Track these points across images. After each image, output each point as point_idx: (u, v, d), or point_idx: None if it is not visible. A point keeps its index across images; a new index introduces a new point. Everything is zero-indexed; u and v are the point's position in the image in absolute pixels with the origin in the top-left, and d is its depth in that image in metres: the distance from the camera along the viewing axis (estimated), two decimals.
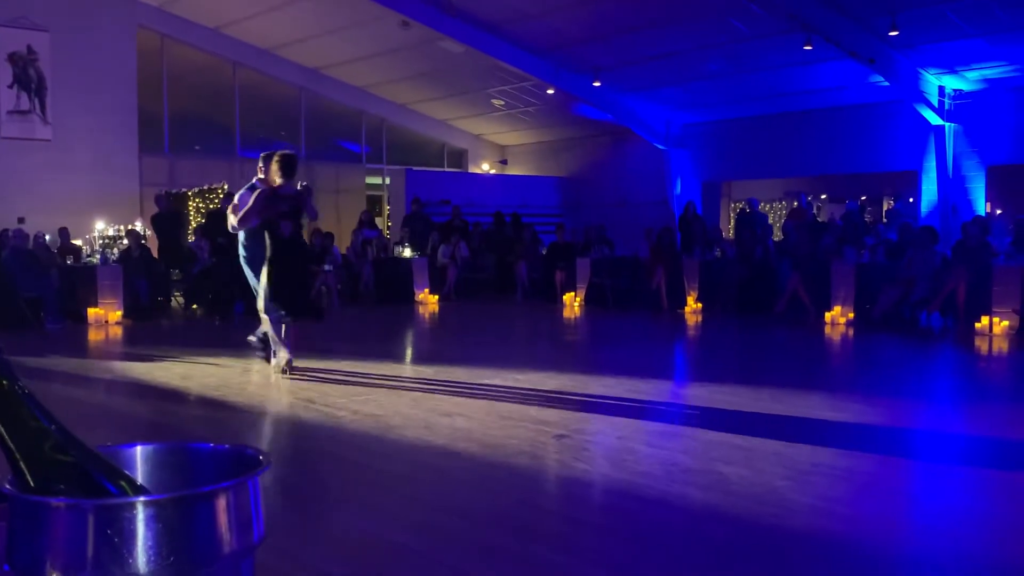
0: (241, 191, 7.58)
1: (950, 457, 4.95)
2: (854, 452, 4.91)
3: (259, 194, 7.15)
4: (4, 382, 0.79)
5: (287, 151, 7.36)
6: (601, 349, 10.11)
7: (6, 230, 12.39)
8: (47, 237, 13.22)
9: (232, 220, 7.43)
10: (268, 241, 7.15)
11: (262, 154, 7.43)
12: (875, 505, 3.95)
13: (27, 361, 8.40)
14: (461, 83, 17.96)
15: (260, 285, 7.25)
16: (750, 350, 9.68)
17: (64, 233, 13.53)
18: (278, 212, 7.12)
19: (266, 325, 7.34)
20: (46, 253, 12.69)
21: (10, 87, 14.57)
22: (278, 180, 7.17)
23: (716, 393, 6.49)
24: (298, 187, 7.28)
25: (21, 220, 13.34)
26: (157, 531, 0.76)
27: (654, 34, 14.06)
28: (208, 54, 17.23)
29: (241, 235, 7.55)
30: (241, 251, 7.61)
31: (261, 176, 7.38)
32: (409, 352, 9.85)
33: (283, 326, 7.29)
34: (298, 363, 7.53)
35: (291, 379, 7.15)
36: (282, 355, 7.31)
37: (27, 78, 14.71)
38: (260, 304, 7.29)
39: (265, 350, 7.69)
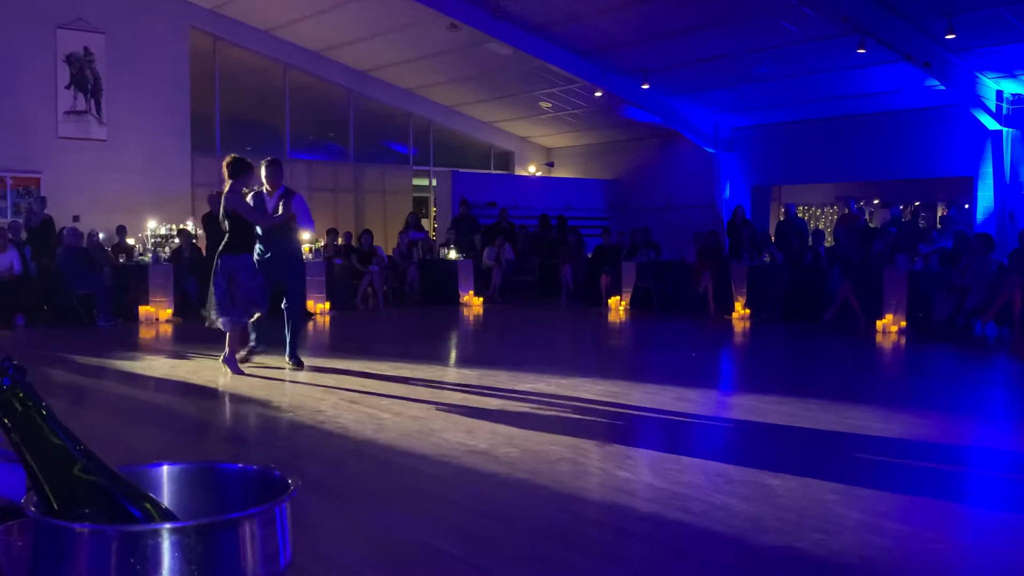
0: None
1: (1002, 472, 4.81)
2: (904, 466, 4.80)
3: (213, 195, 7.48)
4: (30, 403, 0.78)
5: (235, 155, 7.49)
6: (646, 355, 10.02)
7: (62, 228, 12.64)
8: (101, 235, 13.45)
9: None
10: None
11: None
12: (925, 521, 3.85)
13: (78, 358, 8.56)
14: (508, 85, 17.96)
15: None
16: (799, 358, 9.53)
17: (122, 231, 13.78)
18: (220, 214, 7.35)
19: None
20: (100, 251, 12.91)
21: (67, 88, 14.88)
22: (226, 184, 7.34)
23: (763, 402, 6.39)
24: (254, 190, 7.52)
25: (76, 218, 13.59)
26: (181, 558, 0.74)
27: (703, 36, 13.92)
28: (259, 56, 17.43)
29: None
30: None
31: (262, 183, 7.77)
32: (453, 354, 9.85)
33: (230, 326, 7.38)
34: (342, 363, 7.55)
35: (334, 379, 7.19)
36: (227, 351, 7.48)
37: (83, 79, 15.01)
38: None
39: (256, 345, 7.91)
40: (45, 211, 13.45)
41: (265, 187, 7.67)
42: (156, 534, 0.74)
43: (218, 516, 0.77)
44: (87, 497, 0.78)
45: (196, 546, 0.73)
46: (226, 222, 7.24)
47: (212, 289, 7.23)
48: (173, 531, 0.74)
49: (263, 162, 7.74)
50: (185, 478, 0.91)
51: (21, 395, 0.76)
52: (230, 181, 7.26)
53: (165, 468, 0.91)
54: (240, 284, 7.15)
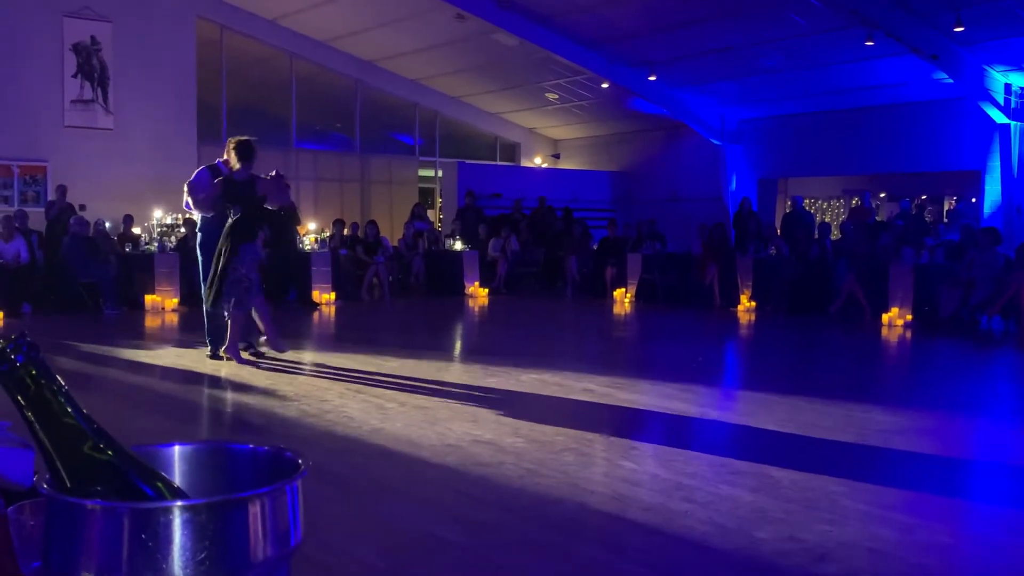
0: (200, 169, 7.69)
1: (1006, 466, 4.81)
2: (909, 459, 4.80)
3: (219, 181, 7.26)
4: (42, 381, 0.79)
5: (245, 137, 7.38)
6: (651, 347, 10.02)
7: (68, 217, 12.64)
8: (107, 224, 13.47)
9: (187, 198, 7.52)
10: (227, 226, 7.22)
11: (229, 138, 7.53)
12: (931, 514, 3.85)
13: (83, 346, 8.59)
14: (515, 76, 17.94)
15: (212, 271, 7.24)
16: (804, 350, 9.53)
17: (128, 220, 13.79)
18: (234, 197, 7.16)
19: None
20: (106, 240, 12.93)
21: (74, 76, 14.88)
22: (236, 165, 7.22)
23: (769, 394, 6.39)
24: (264, 175, 7.35)
25: (82, 207, 13.60)
26: (192, 536, 0.75)
27: (711, 28, 13.88)
28: (266, 45, 17.42)
29: (199, 220, 7.62)
30: (198, 236, 7.69)
31: (224, 159, 7.49)
32: (458, 345, 9.86)
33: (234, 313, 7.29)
34: (347, 353, 7.53)
35: (340, 369, 7.20)
36: (229, 342, 7.39)
37: (90, 68, 15.01)
38: (209, 291, 7.26)
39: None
40: (66, 200, 13.46)
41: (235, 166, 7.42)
42: (168, 512, 0.74)
43: (229, 495, 0.77)
44: (99, 475, 0.78)
45: (207, 524, 0.74)
46: (230, 208, 7.17)
47: (230, 277, 7.18)
48: (185, 509, 0.74)
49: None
50: (196, 458, 0.92)
51: (34, 372, 0.76)
52: (239, 165, 7.19)
53: (176, 448, 0.92)
54: (254, 269, 7.20)
